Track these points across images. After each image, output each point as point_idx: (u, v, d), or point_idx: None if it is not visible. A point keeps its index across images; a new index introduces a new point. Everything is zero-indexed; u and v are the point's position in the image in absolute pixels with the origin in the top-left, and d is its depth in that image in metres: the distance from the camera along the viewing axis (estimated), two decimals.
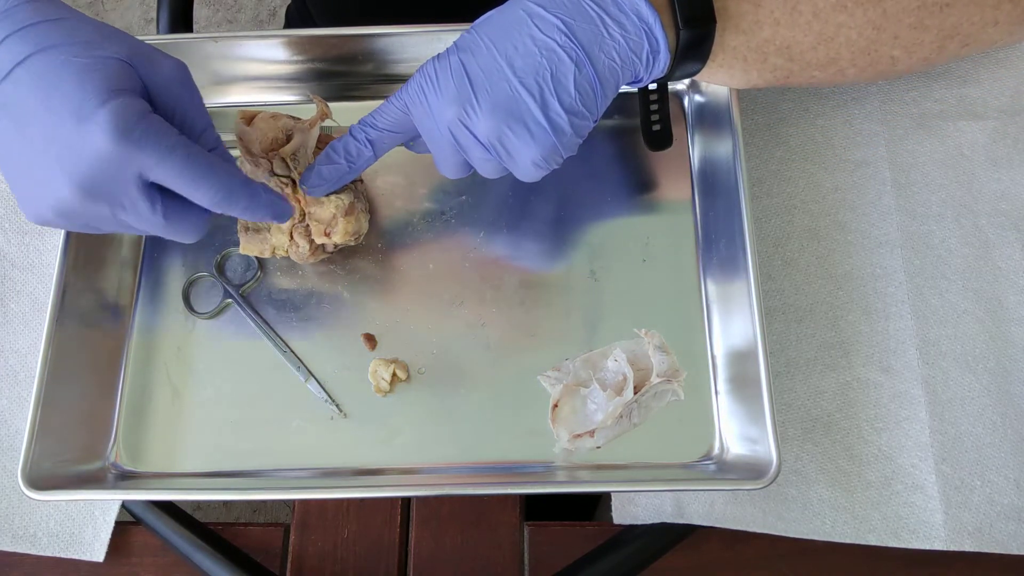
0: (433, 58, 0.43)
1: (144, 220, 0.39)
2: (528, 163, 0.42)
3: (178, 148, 0.37)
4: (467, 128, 0.42)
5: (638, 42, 0.42)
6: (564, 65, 0.41)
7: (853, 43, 0.45)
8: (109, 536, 0.49)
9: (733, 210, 0.50)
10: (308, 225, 0.50)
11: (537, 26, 0.41)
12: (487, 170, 0.45)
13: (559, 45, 0.41)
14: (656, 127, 0.54)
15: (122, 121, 0.36)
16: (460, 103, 0.41)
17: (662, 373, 0.49)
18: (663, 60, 0.43)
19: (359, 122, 0.46)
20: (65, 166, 0.36)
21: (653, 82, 0.48)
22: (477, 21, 0.44)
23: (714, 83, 0.51)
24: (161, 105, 0.39)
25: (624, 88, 0.46)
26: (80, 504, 0.50)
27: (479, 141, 0.42)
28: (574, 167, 0.55)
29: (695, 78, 0.48)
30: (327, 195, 0.49)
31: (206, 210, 0.40)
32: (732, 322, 0.50)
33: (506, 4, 0.43)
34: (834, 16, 0.44)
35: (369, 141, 0.46)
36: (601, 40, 0.41)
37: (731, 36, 0.44)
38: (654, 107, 0.54)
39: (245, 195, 0.40)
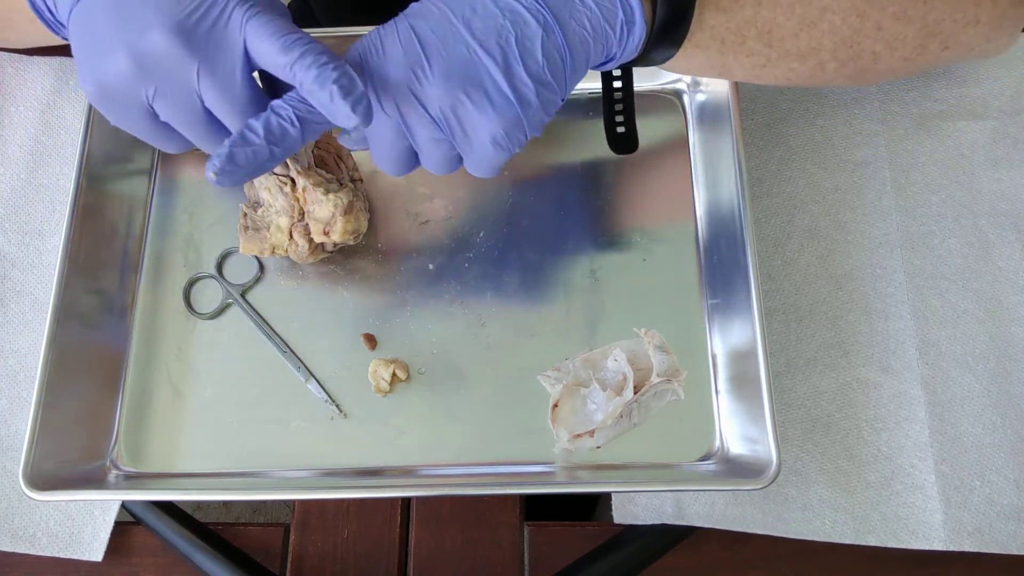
0: (376, 28, 0.39)
1: (219, 94, 0.38)
2: (486, 140, 0.38)
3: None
4: (416, 97, 0.37)
5: (611, 10, 0.38)
6: (530, 28, 0.37)
7: (836, 31, 0.43)
8: (108, 536, 0.49)
9: (733, 210, 0.50)
10: (307, 224, 0.50)
11: None
12: (435, 158, 0.40)
13: (524, 7, 0.37)
14: (620, 128, 0.51)
15: None
16: (408, 67, 0.37)
17: (662, 373, 0.49)
18: (638, 34, 0.39)
19: (283, 96, 0.38)
20: (163, 6, 0.36)
21: (619, 68, 0.45)
22: None
23: (685, 72, 0.48)
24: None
25: (591, 76, 0.43)
26: (80, 504, 0.50)
27: (428, 114, 0.37)
28: (574, 167, 0.55)
29: (665, 66, 0.44)
30: (328, 195, 0.49)
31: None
32: (732, 322, 0.50)
33: None
34: None
35: (296, 118, 0.37)
36: (571, 6, 0.37)
37: (710, 14, 0.41)
38: (619, 106, 0.51)
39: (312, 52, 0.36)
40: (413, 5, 0.39)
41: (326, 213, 0.49)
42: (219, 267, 0.55)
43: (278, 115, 0.38)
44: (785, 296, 0.53)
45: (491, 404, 0.51)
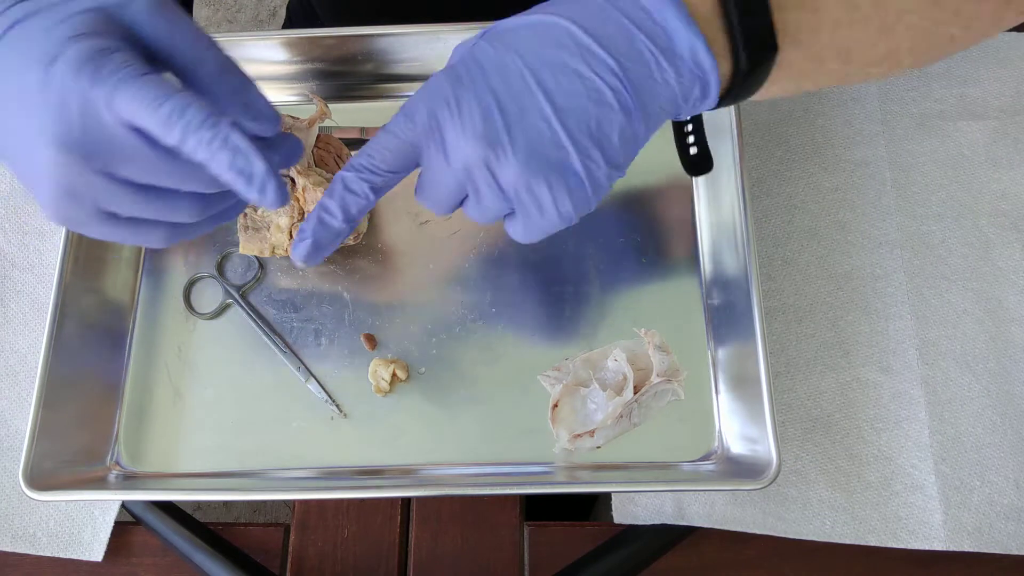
0: (445, 76, 0.36)
1: (142, 165, 0.34)
2: (554, 217, 0.36)
3: (139, 77, 0.32)
4: (491, 172, 0.35)
5: (689, 88, 0.35)
6: (613, 113, 0.34)
7: (914, 28, 0.39)
8: (108, 536, 0.49)
9: (733, 210, 0.50)
10: None
11: (586, 61, 0.34)
12: (487, 215, 0.38)
13: (610, 87, 0.34)
14: (693, 149, 0.49)
15: (83, 56, 0.32)
16: (488, 142, 0.34)
17: (662, 373, 0.49)
18: (711, 100, 0.36)
19: (352, 166, 0.37)
20: (40, 120, 0.32)
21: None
22: (497, 28, 0.36)
23: (759, 99, 0.47)
24: (149, 42, 0.35)
25: None
26: (80, 504, 0.50)
27: (500, 188, 0.35)
28: None
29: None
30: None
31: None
32: (732, 322, 0.50)
33: (536, 15, 0.35)
34: (894, 1, 0.37)
35: (372, 190, 0.37)
36: (653, 87, 0.35)
37: (788, 51, 0.37)
38: (688, 127, 0.49)
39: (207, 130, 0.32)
40: (485, 50, 0.35)
41: None
42: (219, 267, 0.55)
43: (353, 192, 0.37)
44: (785, 296, 0.53)
45: (491, 404, 0.51)
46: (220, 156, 0.32)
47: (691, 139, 0.49)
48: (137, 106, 0.32)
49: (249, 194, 0.33)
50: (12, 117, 0.34)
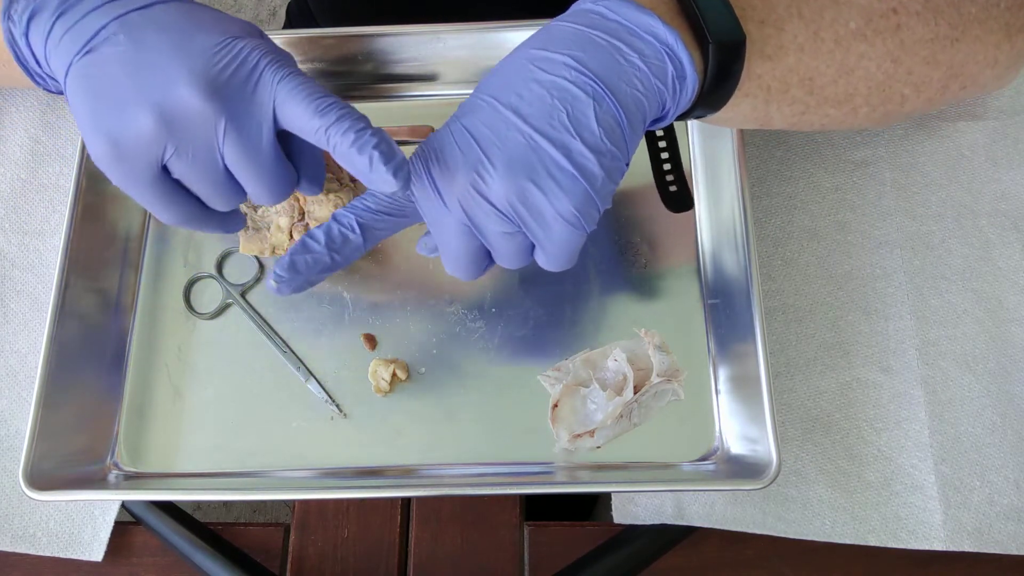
0: (431, 133, 0.39)
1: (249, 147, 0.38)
2: (559, 222, 0.37)
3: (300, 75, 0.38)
4: (482, 195, 0.37)
5: (660, 66, 0.37)
6: (580, 102, 0.36)
7: (871, 77, 0.43)
8: (108, 536, 0.49)
9: (733, 210, 0.50)
10: (308, 224, 0.50)
11: (541, 68, 0.36)
12: (508, 251, 0.39)
13: (570, 81, 0.36)
14: (672, 187, 0.51)
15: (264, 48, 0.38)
16: (470, 167, 0.36)
17: (662, 373, 0.49)
18: (691, 85, 0.38)
19: (347, 205, 0.41)
20: (191, 61, 0.36)
21: (660, 128, 0.45)
22: (478, 85, 0.40)
23: (726, 124, 0.48)
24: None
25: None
26: (80, 504, 0.50)
27: (497, 209, 0.37)
28: None
29: (711, 119, 0.44)
30: (328, 195, 0.49)
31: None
32: (732, 322, 0.50)
33: (505, 58, 0.39)
34: (855, 45, 0.41)
35: (359, 225, 0.40)
36: (619, 69, 0.36)
37: (756, 62, 0.40)
38: (667, 166, 0.51)
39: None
40: (461, 104, 0.39)
41: (326, 213, 0.49)
42: (219, 267, 0.55)
43: (339, 223, 0.40)
44: (785, 296, 0.53)
45: (491, 404, 0.51)
46: (364, 138, 0.36)
47: (670, 177, 0.51)
48: (297, 95, 0.37)
49: (384, 175, 0.36)
50: (156, 55, 0.36)
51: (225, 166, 0.38)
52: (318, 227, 0.40)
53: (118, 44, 0.37)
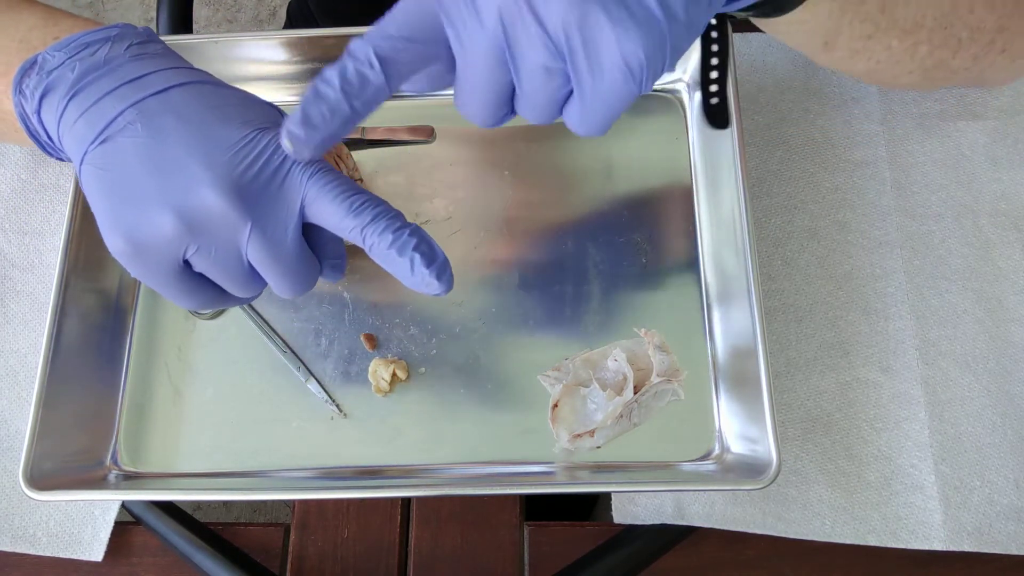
0: None
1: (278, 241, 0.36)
2: (619, 65, 0.29)
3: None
4: (531, 10, 0.28)
5: None
6: None
7: (938, 4, 0.41)
8: (108, 536, 0.49)
9: (733, 210, 0.50)
10: None
11: None
12: (540, 97, 0.31)
13: None
14: (714, 100, 0.49)
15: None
16: None
17: (662, 373, 0.49)
18: None
19: (362, 36, 0.32)
20: (213, 160, 0.34)
21: (717, 30, 0.43)
22: None
23: (791, 39, 0.44)
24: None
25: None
26: (80, 504, 0.50)
27: (546, 32, 0.29)
28: (575, 167, 0.55)
29: (779, 21, 0.39)
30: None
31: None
32: (732, 322, 0.50)
33: None
34: None
35: (378, 58, 0.31)
36: None
37: None
38: (714, 74, 0.49)
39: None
40: None
41: None
42: None
43: (354, 57, 0.31)
44: (785, 296, 0.53)
45: (491, 404, 0.51)
46: (402, 238, 0.35)
47: (714, 88, 0.49)
48: (328, 194, 0.35)
49: (426, 278, 0.35)
50: (177, 155, 0.35)
51: (248, 263, 0.37)
52: (330, 67, 0.31)
53: (136, 135, 0.35)
